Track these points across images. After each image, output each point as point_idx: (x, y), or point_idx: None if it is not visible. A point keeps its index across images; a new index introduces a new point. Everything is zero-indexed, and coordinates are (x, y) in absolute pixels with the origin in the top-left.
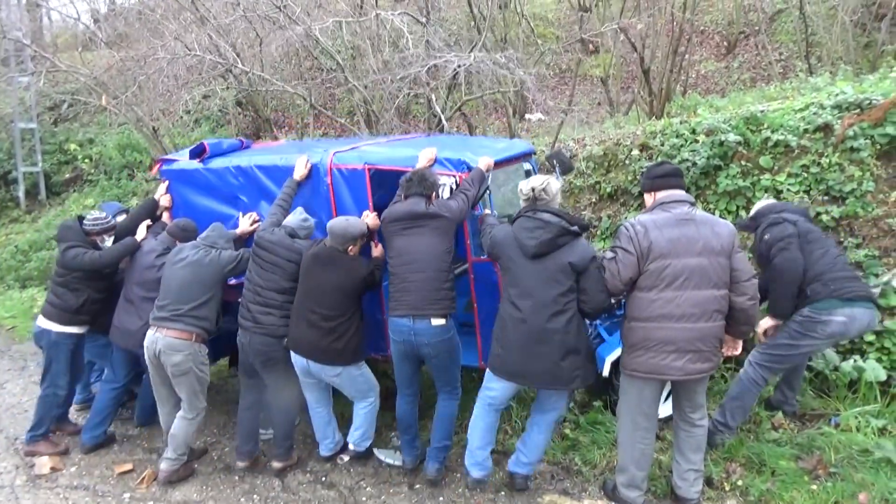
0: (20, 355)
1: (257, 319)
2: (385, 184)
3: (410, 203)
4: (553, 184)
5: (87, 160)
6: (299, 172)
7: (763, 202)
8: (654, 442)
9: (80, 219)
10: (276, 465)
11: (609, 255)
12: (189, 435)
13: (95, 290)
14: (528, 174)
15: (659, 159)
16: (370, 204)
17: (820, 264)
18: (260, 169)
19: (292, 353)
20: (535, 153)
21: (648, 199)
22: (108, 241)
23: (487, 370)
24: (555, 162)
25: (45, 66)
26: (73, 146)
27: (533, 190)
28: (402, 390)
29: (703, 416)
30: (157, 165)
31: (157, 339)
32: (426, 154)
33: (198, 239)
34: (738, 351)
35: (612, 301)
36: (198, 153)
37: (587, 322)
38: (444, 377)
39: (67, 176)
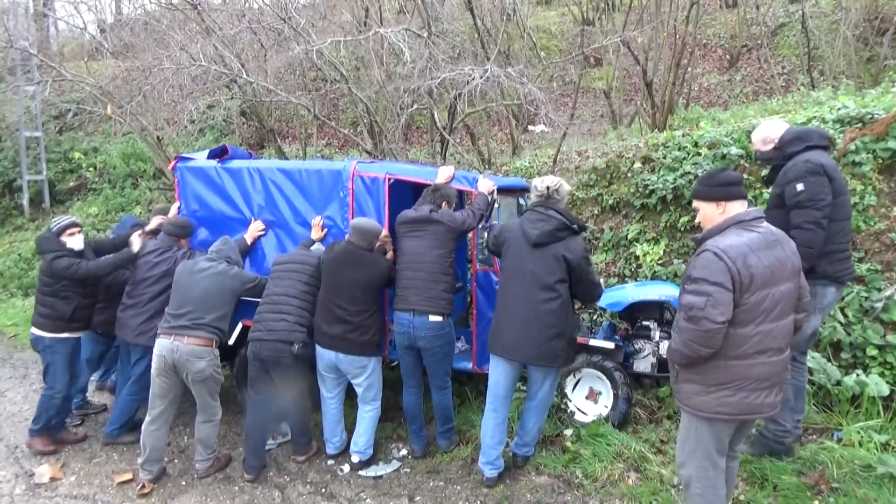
0: (22, 363)
1: (270, 328)
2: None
3: (421, 209)
4: (565, 186)
5: (91, 169)
6: (317, 234)
7: (783, 126)
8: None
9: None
10: (300, 458)
11: (697, 300)
12: (213, 436)
13: (83, 296)
14: (520, 209)
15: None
16: (386, 213)
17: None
18: (282, 172)
19: (320, 349)
20: (528, 189)
21: (711, 208)
22: (78, 237)
23: (491, 356)
24: None
25: (50, 76)
26: (77, 155)
27: (548, 188)
28: (407, 381)
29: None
30: (174, 161)
31: (178, 348)
32: (445, 171)
33: (210, 252)
34: None
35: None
36: (217, 154)
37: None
38: (435, 371)
39: (72, 184)
